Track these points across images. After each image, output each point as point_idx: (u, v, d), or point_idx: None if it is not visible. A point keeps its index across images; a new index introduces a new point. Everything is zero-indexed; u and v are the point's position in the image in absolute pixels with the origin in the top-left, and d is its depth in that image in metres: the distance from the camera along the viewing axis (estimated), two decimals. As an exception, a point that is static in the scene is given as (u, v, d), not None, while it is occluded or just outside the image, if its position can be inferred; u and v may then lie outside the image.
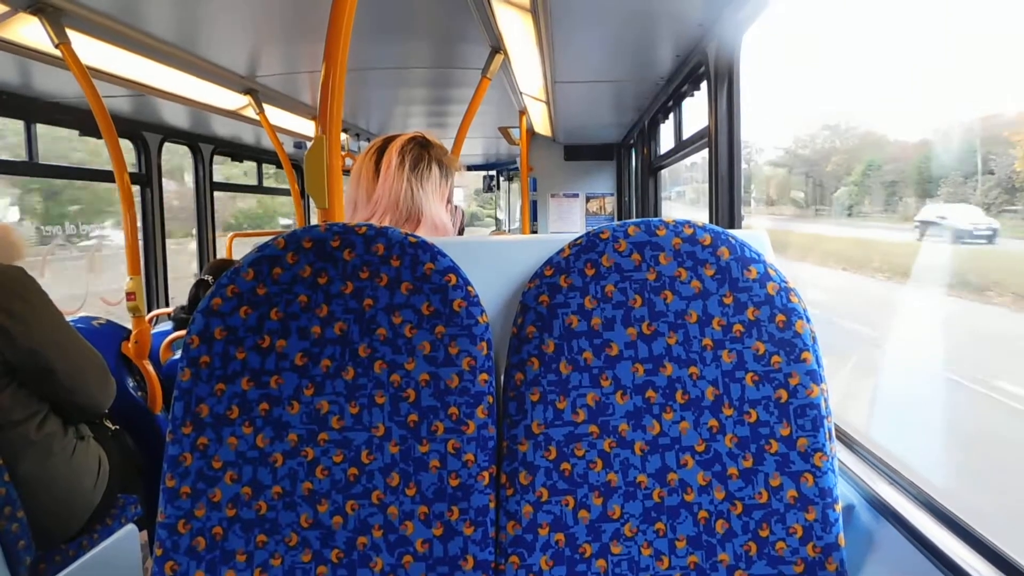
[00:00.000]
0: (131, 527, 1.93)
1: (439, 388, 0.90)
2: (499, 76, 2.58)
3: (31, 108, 2.86)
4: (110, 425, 2.00)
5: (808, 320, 0.91)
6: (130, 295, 2.31)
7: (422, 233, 1.25)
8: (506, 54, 2.39)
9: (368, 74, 2.87)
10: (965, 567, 0.82)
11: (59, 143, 3.65)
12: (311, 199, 1.21)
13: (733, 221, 2.08)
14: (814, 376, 0.90)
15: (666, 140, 3.58)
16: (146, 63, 2.35)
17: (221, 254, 4.27)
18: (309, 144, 1.19)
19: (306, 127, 3.78)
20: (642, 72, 2.86)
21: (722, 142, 2.08)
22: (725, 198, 2.08)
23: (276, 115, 3.34)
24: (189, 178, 4.18)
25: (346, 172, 1.46)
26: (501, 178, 7.01)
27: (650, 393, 0.91)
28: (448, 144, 1.57)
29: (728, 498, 0.90)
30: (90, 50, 2.12)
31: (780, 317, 0.90)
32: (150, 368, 2.42)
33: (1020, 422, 3.15)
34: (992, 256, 3.85)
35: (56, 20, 1.90)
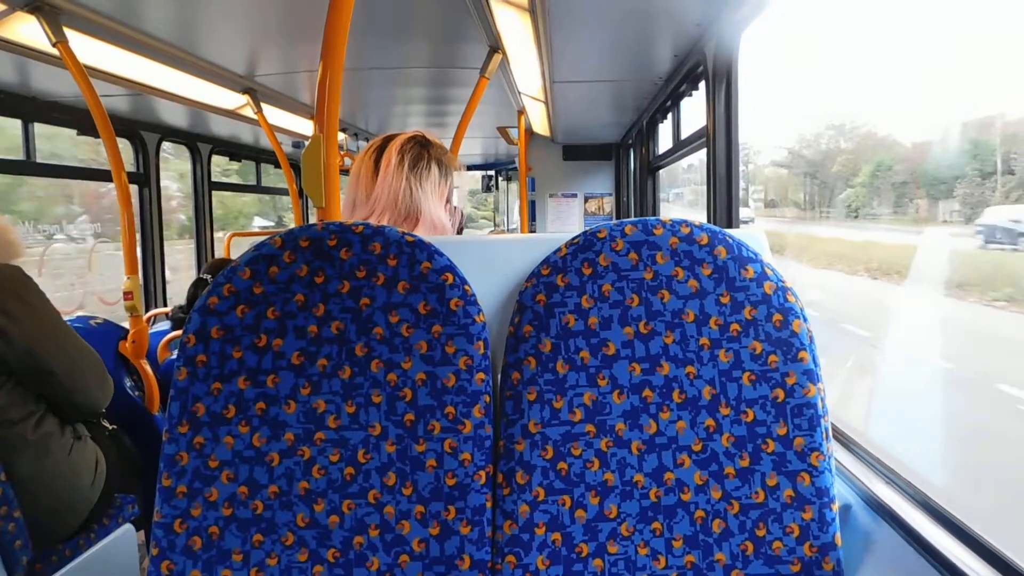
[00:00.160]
0: (128, 527, 1.92)
1: (436, 387, 0.90)
2: (497, 76, 2.58)
3: (29, 107, 2.86)
4: (107, 425, 1.99)
5: (805, 320, 0.91)
6: (127, 294, 2.30)
7: (420, 232, 1.25)
8: (504, 54, 2.39)
9: (366, 74, 2.87)
10: (961, 567, 0.82)
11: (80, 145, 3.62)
12: (309, 198, 1.21)
13: (731, 221, 2.08)
14: (811, 375, 0.90)
15: (664, 140, 3.58)
16: (144, 62, 2.35)
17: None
18: (307, 143, 1.19)
19: (305, 127, 3.78)
20: (640, 72, 2.86)
21: (720, 142, 2.08)
22: (723, 198, 2.08)
23: (274, 115, 3.33)
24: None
25: (344, 172, 1.46)
26: (500, 178, 7.00)
27: (647, 392, 0.91)
28: (447, 144, 1.56)
29: (725, 497, 0.90)
30: (88, 49, 2.12)
31: (777, 316, 0.91)
32: (148, 368, 2.41)
33: None
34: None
35: (54, 19, 1.89)
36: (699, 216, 2.45)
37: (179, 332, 2.79)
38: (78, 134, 3.15)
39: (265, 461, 0.89)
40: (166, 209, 3.76)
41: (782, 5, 1.87)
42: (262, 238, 0.93)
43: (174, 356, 2.63)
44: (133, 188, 3.36)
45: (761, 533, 0.89)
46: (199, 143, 4.06)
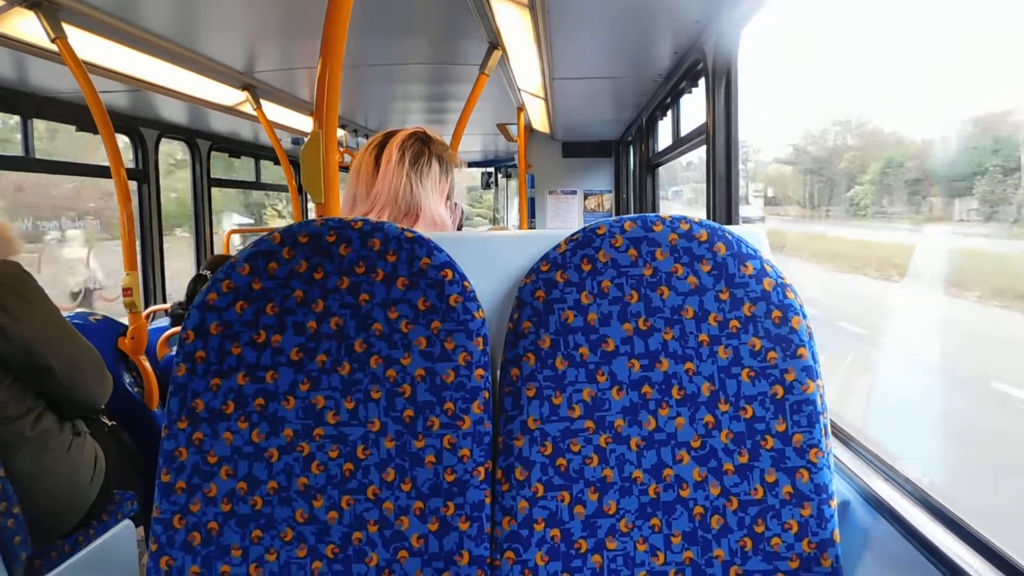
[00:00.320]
0: (128, 523, 1.92)
1: (435, 383, 0.90)
2: (497, 72, 2.57)
3: (27, 103, 2.85)
4: (107, 421, 1.99)
5: (804, 316, 0.91)
6: (127, 291, 2.30)
7: (420, 229, 1.25)
8: (504, 50, 2.38)
9: (366, 70, 2.87)
10: (960, 563, 0.82)
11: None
12: (308, 195, 1.21)
13: (730, 217, 2.08)
14: (810, 372, 0.90)
15: (664, 137, 3.58)
16: (143, 58, 2.34)
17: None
18: (306, 140, 1.18)
19: (304, 123, 3.77)
20: (640, 69, 2.86)
21: (720, 139, 2.08)
22: (722, 195, 2.08)
23: (274, 111, 3.33)
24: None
25: (344, 168, 1.46)
26: (499, 175, 7.00)
27: (646, 389, 0.91)
28: (446, 141, 1.56)
29: (724, 494, 0.90)
30: (87, 45, 2.11)
31: (776, 313, 0.91)
32: (147, 364, 2.41)
33: None
34: None
35: (53, 14, 1.89)
36: (701, 214, 2.45)
37: (178, 328, 2.79)
38: (77, 130, 3.15)
39: (264, 457, 0.89)
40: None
41: (782, 2, 1.87)
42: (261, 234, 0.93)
43: (173, 352, 2.63)
44: (132, 185, 3.36)
45: (760, 529, 0.89)
46: (198, 139, 4.05)
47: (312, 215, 3.54)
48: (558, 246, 0.94)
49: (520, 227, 5.18)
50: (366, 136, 4.48)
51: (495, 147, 5.99)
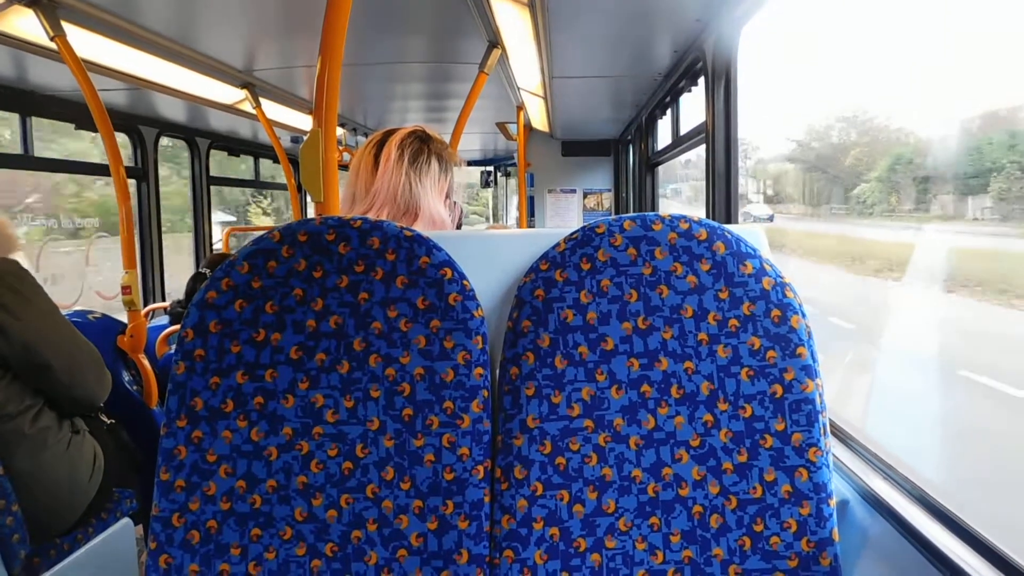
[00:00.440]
0: (126, 521, 1.92)
1: (434, 382, 0.90)
2: (496, 71, 2.57)
3: (26, 101, 2.85)
4: (105, 419, 1.99)
5: (804, 315, 0.91)
6: (126, 289, 2.30)
7: (419, 228, 1.25)
8: (503, 49, 2.38)
9: (365, 69, 2.86)
10: (958, 562, 0.82)
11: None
12: (307, 193, 1.21)
13: (730, 216, 2.08)
14: (809, 371, 0.90)
15: (663, 136, 3.58)
16: (142, 56, 2.34)
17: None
18: (306, 138, 1.18)
19: (303, 122, 3.77)
20: (640, 68, 2.86)
21: (719, 138, 2.08)
22: (722, 193, 2.08)
23: (273, 110, 3.33)
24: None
25: (343, 167, 1.46)
26: (499, 174, 7.00)
27: (645, 388, 0.91)
28: (446, 140, 1.56)
29: (722, 493, 0.90)
30: (86, 43, 2.11)
31: (776, 312, 0.91)
32: (146, 362, 2.41)
33: None
34: None
35: (51, 12, 1.89)
36: (702, 212, 2.45)
37: (177, 326, 2.79)
38: (76, 128, 3.15)
39: (263, 455, 0.89)
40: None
41: (782, 1, 1.87)
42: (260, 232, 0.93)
43: (172, 351, 2.63)
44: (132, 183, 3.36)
45: (759, 528, 0.89)
46: (197, 138, 4.05)
47: (311, 213, 3.54)
48: (557, 245, 0.94)
49: (519, 226, 5.18)
50: (365, 134, 4.47)
51: (494, 146, 5.99)
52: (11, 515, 1.56)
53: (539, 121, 4.35)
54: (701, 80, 2.32)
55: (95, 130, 2.28)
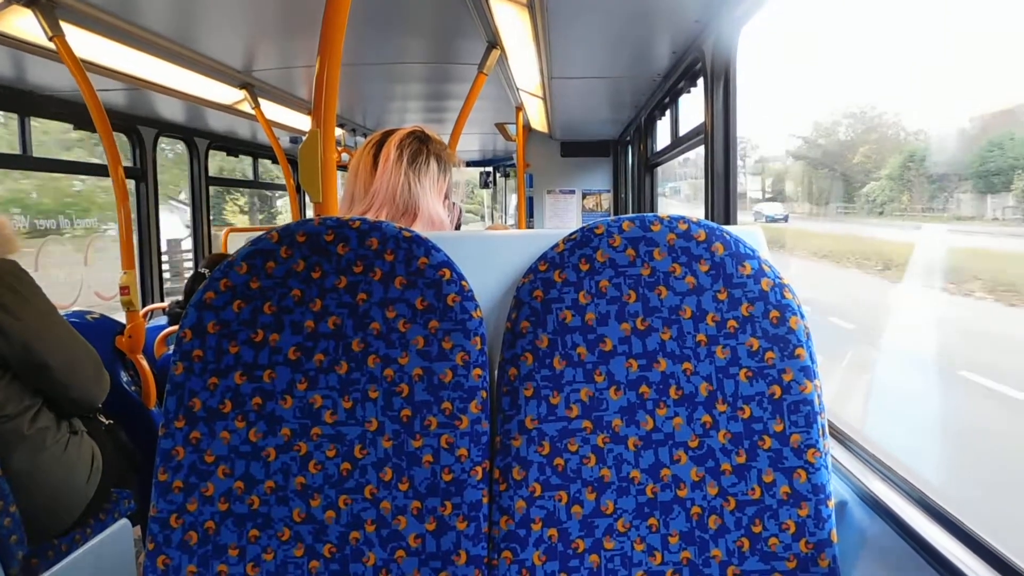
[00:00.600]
0: (124, 522, 1.92)
1: (432, 383, 0.90)
2: (496, 72, 2.57)
3: (25, 101, 2.85)
4: (104, 420, 1.99)
5: (802, 316, 0.91)
6: (124, 289, 2.30)
7: (418, 228, 1.24)
8: (503, 50, 2.38)
9: (364, 69, 2.86)
10: (956, 563, 0.82)
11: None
12: (306, 194, 1.21)
13: (728, 217, 2.08)
14: (808, 372, 0.90)
15: (663, 136, 3.58)
16: (141, 57, 2.34)
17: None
18: (304, 139, 1.18)
19: (302, 122, 3.77)
20: (639, 68, 2.86)
21: (718, 138, 2.08)
22: (721, 194, 2.08)
23: (272, 110, 3.33)
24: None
25: (342, 167, 1.46)
26: (498, 174, 7.00)
27: (644, 389, 0.91)
28: (445, 140, 1.56)
29: (721, 494, 0.90)
30: (85, 43, 2.11)
31: (774, 313, 0.91)
32: (144, 363, 2.41)
33: None
34: None
35: (50, 12, 1.89)
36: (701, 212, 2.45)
37: (176, 327, 2.79)
38: (75, 128, 3.15)
39: (261, 456, 0.89)
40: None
41: (781, 1, 1.88)
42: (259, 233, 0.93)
43: (171, 351, 2.63)
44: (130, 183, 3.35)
45: (757, 529, 0.89)
46: (196, 138, 4.04)
47: (310, 214, 3.54)
48: (556, 246, 0.94)
49: (518, 226, 5.18)
50: (364, 135, 4.47)
51: (493, 146, 5.99)
52: (9, 516, 1.56)
53: (538, 122, 4.35)
54: (700, 81, 2.32)
55: (94, 130, 2.28)
